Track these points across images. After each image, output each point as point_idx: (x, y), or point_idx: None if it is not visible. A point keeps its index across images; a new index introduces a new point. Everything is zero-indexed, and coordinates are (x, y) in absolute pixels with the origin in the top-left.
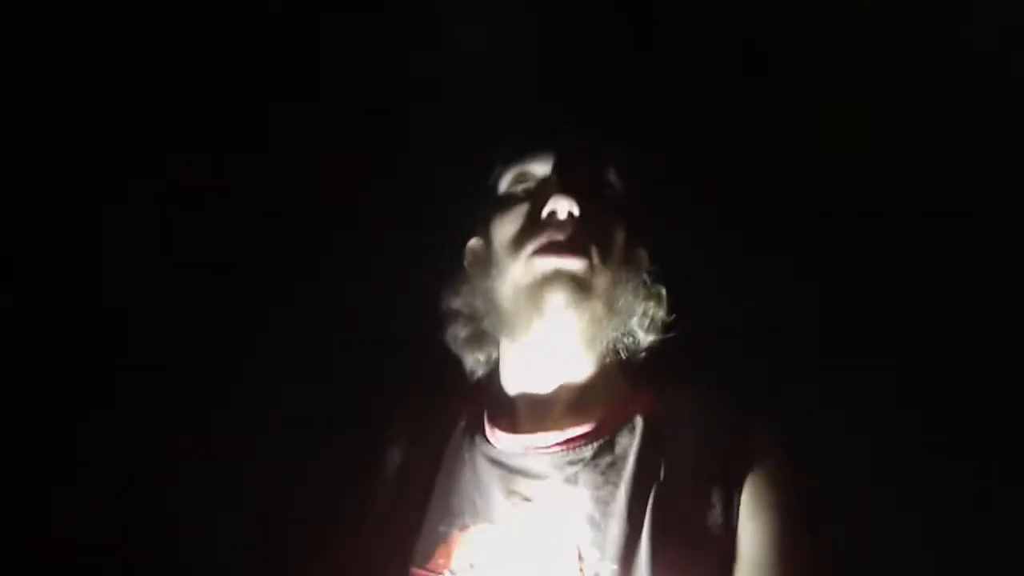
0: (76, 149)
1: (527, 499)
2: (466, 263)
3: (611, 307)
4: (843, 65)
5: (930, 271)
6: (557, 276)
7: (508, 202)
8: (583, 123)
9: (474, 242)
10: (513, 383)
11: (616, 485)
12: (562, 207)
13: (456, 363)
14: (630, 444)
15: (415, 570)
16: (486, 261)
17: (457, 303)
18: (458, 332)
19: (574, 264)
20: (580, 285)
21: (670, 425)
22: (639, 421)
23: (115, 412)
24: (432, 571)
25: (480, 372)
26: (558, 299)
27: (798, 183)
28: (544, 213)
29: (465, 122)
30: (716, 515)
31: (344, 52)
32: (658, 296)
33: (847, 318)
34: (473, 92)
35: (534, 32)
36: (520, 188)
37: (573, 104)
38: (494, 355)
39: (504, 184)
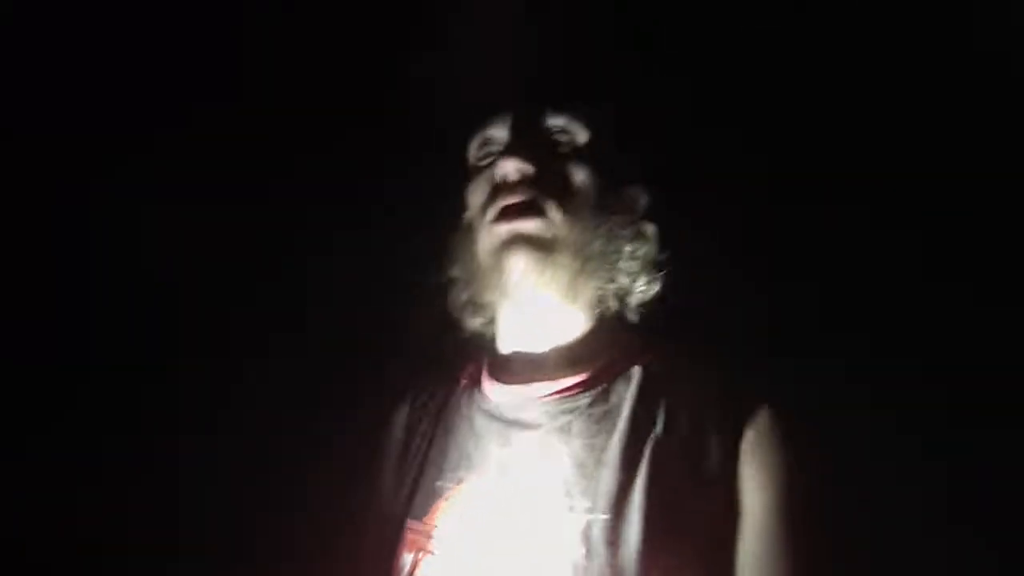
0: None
1: (521, 449)
2: (459, 236)
3: (582, 256)
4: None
5: (941, 265)
6: (513, 240)
7: (475, 171)
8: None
9: (463, 213)
10: (509, 341)
11: (610, 434)
12: (510, 169)
13: (456, 328)
14: (625, 393)
15: (411, 522)
16: (469, 229)
17: (454, 271)
18: (457, 297)
19: (528, 225)
20: (538, 244)
21: (668, 378)
22: (636, 371)
23: (124, 412)
24: (427, 523)
25: (481, 334)
26: (519, 262)
27: (806, 177)
28: (497, 177)
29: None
30: (713, 470)
31: (343, 53)
32: (644, 235)
33: (850, 296)
34: (472, 93)
35: (534, 32)
36: (482, 154)
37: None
38: (492, 318)
39: (471, 154)
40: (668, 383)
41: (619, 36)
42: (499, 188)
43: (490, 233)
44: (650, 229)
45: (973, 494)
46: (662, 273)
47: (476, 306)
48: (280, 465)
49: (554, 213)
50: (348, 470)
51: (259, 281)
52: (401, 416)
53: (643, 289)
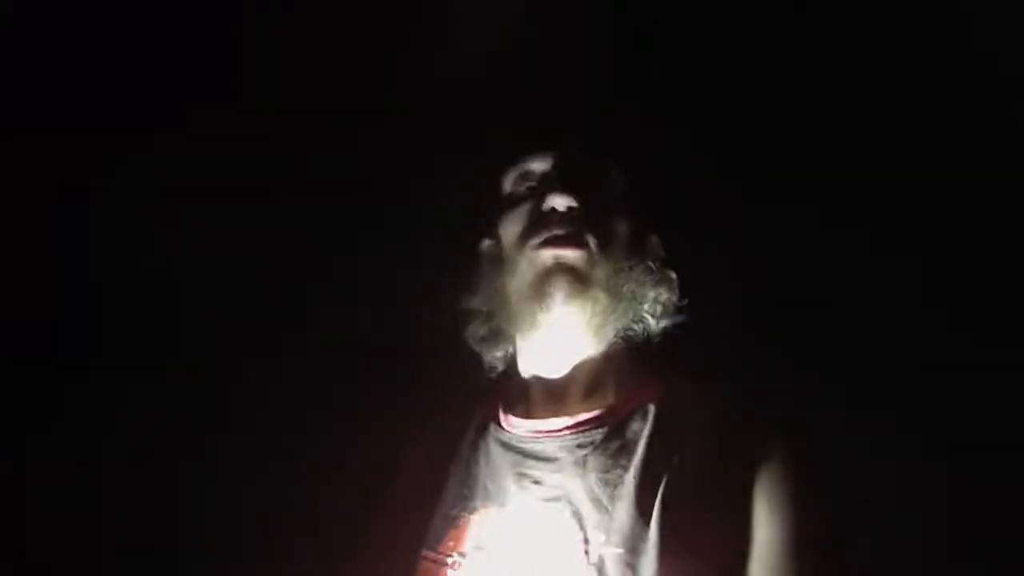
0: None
1: (536, 481)
2: (482, 264)
3: (615, 295)
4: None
5: (939, 271)
6: (557, 268)
7: (513, 201)
8: (583, 125)
9: (487, 243)
10: (528, 372)
11: (625, 469)
12: (560, 202)
13: (474, 363)
14: (641, 430)
15: (426, 552)
16: (498, 260)
17: (475, 302)
18: (476, 331)
19: (572, 255)
20: (579, 276)
21: (683, 414)
22: (651, 408)
23: (130, 412)
24: (442, 553)
25: (499, 368)
26: (559, 290)
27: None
28: (544, 208)
29: (464, 127)
30: (727, 501)
31: (342, 53)
32: (668, 281)
33: (854, 312)
34: (471, 94)
35: (533, 33)
36: (523, 187)
37: (572, 108)
38: (511, 351)
39: (508, 184)
40: (682, 416)
41: (619, 35)
42: (544, 218)
43: (533, 259)
44: (672, 276)
45: (982, 523)
46: (682, 317)
47: (498, 338)
48: (285, 468)
49: (593, 248)
50: (358, 482)
51: (259, 281)
52: (416, 450)
53: (663, 331)
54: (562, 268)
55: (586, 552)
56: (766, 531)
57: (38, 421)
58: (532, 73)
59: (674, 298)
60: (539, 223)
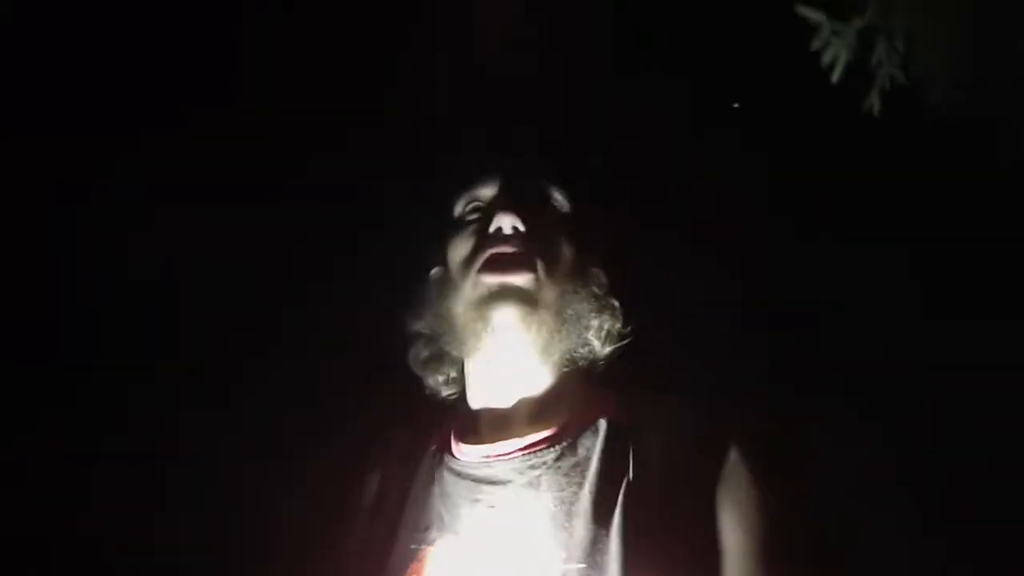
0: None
1: (491, 506)
2: (427, 288)
3: (561, 318)
4: None
5: (908, 264)
6: (503, 291)
7: (460, 226)
8: (575, 126)
9: (435, 271)
10: (475, 399)
11: (580, 485)
12: (506, 223)
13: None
14: (593, 446)
15: None
16: (444, 284)
17: (419, 325)
18: (419, 353)
19: (519, 279)
20: (526, 299)
21: (636, 426)
22: (602, 423)
23: (121, 411)
24: None
25: (443, 392)
26: (505, 313)
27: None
28: (491, 230)
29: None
30: (688, 513)
31: (340, 53)
32: (612, 308)
33: (802, 318)
34: (471, 95)
35: (533, 34)
36: (470, 210)
37: (568, 111)
38: (453, 375)
39: (457, 209)
40: (636, 431)
41: (619, 36)
42: (489, 240)
43: (476, 283)
44: (615, 304)
45: (958, 526)
46: (625, 342)
47: (440, 362)
48: (273, 472)
49: (540, 271)
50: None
51: (257, 281)
52: (371, 487)
53: (608, 354)
54: (508, 292)
55: (547, 570)
56: (731, 540)
57: (35, 421)
58: (531, 73)
59: (618, 325)
60: (484, 245)
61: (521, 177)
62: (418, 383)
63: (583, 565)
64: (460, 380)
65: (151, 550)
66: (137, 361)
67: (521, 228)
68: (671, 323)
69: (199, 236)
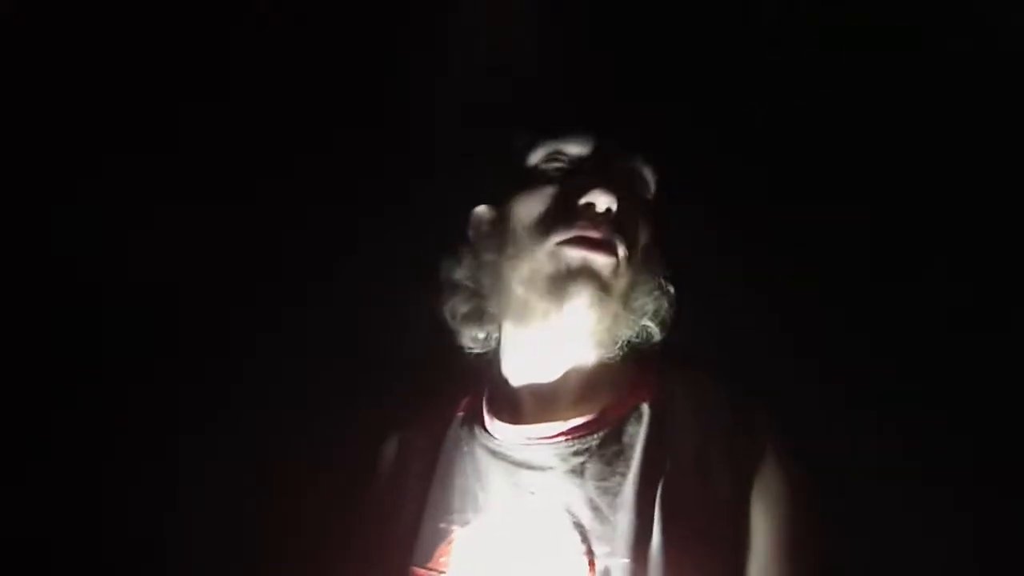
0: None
1: (531, 492)
2: (472, 231)
3: (627, 307)
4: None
5: (936, 267)
6: (584, 271)
7: (537, 179)
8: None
9: (484, 210)
10: (516, 371)
11: (624, 475)
12: (602, 202)
13: (452, 351)
14: (637, 433)
15: (416, 569)
16: (499, 235)
17: (459, 274)
18: (458, 307)
19: (603, 261)
20: (603, 285)
21: (677, 412)
22: (646, 409)
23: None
24: (433, 570)
25: (477, 351)
26: (581, 295)
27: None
28: (581, 202)
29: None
30: (726, 503)
31: (338, 52)
32: (670, 296)
33: (849, 313)
34: (470, 94)
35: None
36: (553, 167)
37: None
38: (494, 335)
39: (535, 158)
40: (676, 414)
41: (618, 36)
42: (576, 212)
43: (555, 254)
44: (672, 292)
45: (984, 521)
46: (676, 327)
47: (481, 319)
48: (276, 475)
49: (621, 258)
50: (339, 502)
51: (257, 281)
52: (389, 453)
53: (660, 338)
54: (589, 273)
55: (591, 564)
56: (766, 532)
57: (32, 420)
58: (531, 73)
59: (672, 313)
60: (572, 216)
61: (615, 146)
62: (424, 378)
63: (627, 560)
64: (496, 343)
65: (157, 546)
66: (137, 361)
67: (614, 209)
68: (706, 312)
69: (196, 235)
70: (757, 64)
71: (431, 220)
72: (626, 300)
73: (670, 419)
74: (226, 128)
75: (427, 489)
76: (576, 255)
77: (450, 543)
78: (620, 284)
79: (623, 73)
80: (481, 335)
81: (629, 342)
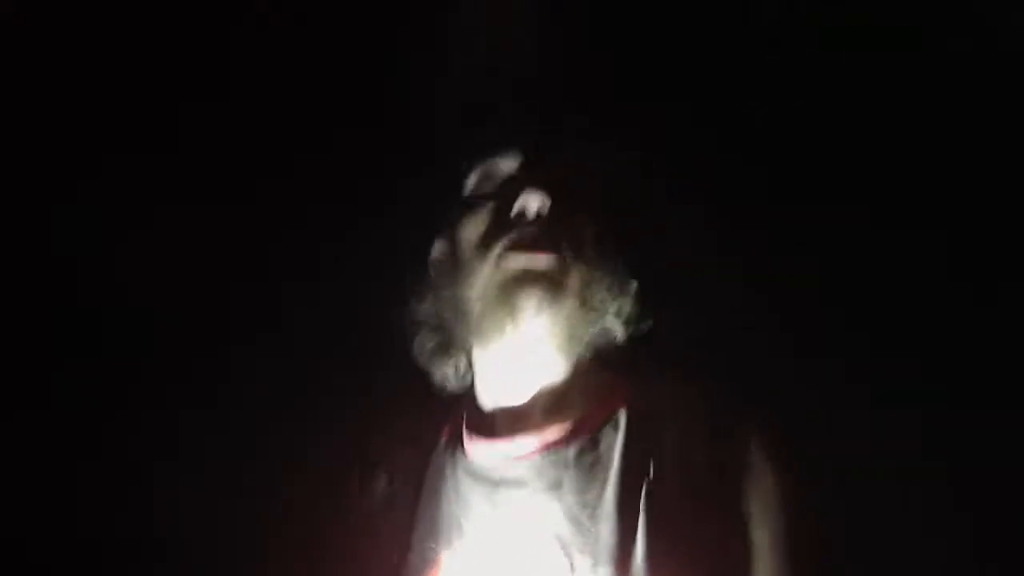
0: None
1: (511, 510)
2: (431, 270)
3: (585, 305)
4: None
5: (936, 265)
6: (528, 275)
7: (474, 202)
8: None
9: (439, 246)
10: (488, 394)
11: (603, 484)
12: (532, 203)
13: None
14: (614, 441)
15: None
16: (452, 266)
17: (423, 313)
18: (425, 343)
19: (545, 261)
20: (552, 283)
21: (654, 417)
22: (622, 414)
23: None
24: None
25: (452, 384)
26: (531, 299)
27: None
28: (513, 211)
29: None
30: (711, 507)
31: (335, 52)
32: (630, 291)
33: (846, 312)
34: (469, 93)
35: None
36: (486, 187)
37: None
38: (462, 366)
39: (470, 184)
40: (655, 422)
41: (617, 37)
42: (510, 222)
43: (498, 266)
44: (633, 287)
45: (979, 509)
46: (644, 325)
47: (449, 352)
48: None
49: (567, 255)
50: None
51: (255, 281)
52: (377, 485)
53: (629, 340)
54: (533, 276)
55: None
56: (757, 533)
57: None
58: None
59: (636, 310)
60: (506, 225)
61: (542, 152)
62: (416, 379)
63: (611, 569)
64: (470, 371)
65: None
66: (129, 360)
67: (546, 208)
68: (684, 308)
69: (195, 235)
70: (757, 64)
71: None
72: (583, 298)
73: (649, 424)
74: (225, 128)
75: (414, 517)
76: (517, 260)
77: (437, 566)
78: (572, 282)
79: (623, 73)
80: (451, 370)
81: (595, 345)
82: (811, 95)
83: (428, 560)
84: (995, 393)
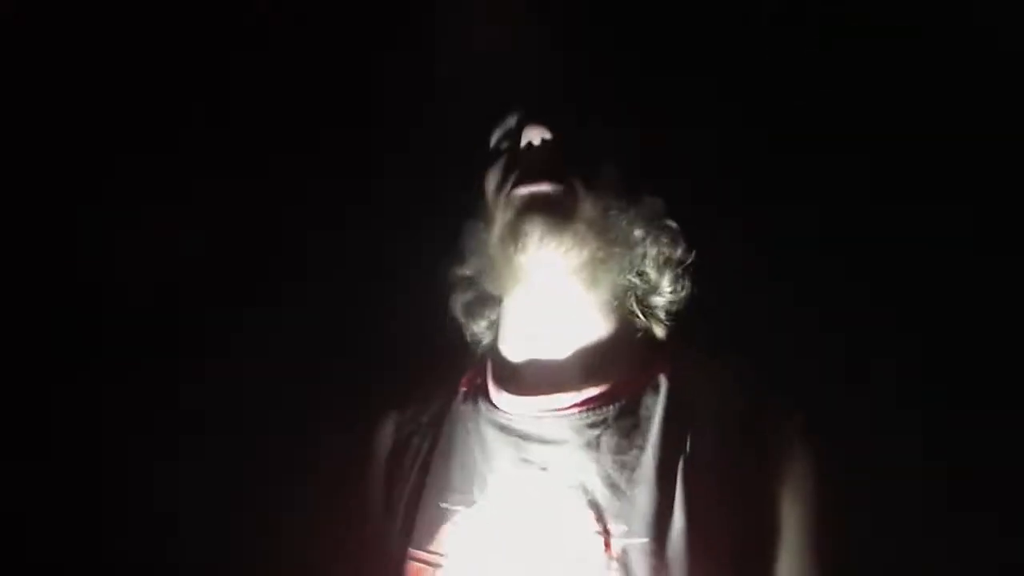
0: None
1: (543, 468)
2: (468, 228)
3: (604, 236)
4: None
5: (942, 262)
6: (533, 203)
7: (493, 155)
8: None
9: (472, 207)
10: (518, 350)
11: (642, 449)
12: (534, 134)
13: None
14: (654, 405)
15: (415, 552)
16: (482, 218)
17: (462, 269)
18: (462, 298)
19: (547, 187)
20: (557, 209)
21: (695, 390)
22: (663, 380)
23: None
24: (435, 553)
25: (484, 340)
26: (534, 224)
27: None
28: (521, 147)
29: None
30: (746, 484)
31: (334, 52)
32: (670, 231)
33: (874, 295)
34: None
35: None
36: (504, 143)
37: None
38: (494, 318)
39: (492, 142)
40: (694, 394)
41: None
42: (519, 160)
43: (508, 202)
44: (674, 226)
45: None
46: (689, 274)
47: (483, 305)
48: (268, 474)
49: (577, 182)
50: (336, 486)
51: (255, 282)
52: (387, 431)
53: (670, 290)
54: (537, 202)
55: (607, 545)
56: (789, 514)
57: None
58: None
59: (679, 253)
60: (514, 164)
61: (556, 101)
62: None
63: (647, 539)
64: (498, 323)
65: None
66: (133, 358)
67: (549, 137)
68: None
69: (195, 235)
70: (757, 64)
71: (428, 218)
72: (598, 227)
73: (689, 397)
74: (224, 128)
75: (427, 469)
76: (521, 191)
77: (452, 523)
78: (585, 209)
79: (623, 73)
80: (484, 323)
81: (627, 288)
82: (811, 95)
83: (443, 515)
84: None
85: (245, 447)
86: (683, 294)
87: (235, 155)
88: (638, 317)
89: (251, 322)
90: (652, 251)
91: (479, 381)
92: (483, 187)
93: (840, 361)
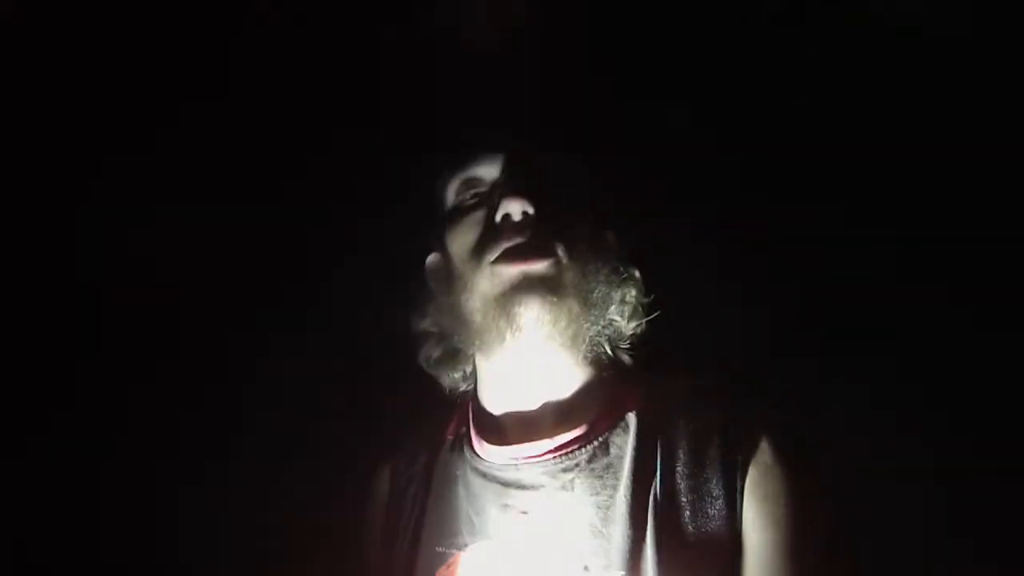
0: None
1: (524, 512)
2: (430, 281)
3: (586, 302)
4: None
5: (937, 265)
6: (525, 282)
7: (460, 212)
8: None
9: (432, 258)
10: (496, 402)
11: (615, 488)
12: (515, 209)
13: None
14: (625, 443)
15: None
16: (448, 276)
17: (425, 323)
18: (431, 353)
19: (539, 266)
20: (550, 286)
21: (665, 418)
22: (632, 418)
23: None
24: None
25: (460, 389)
26: (531, 306)
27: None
28: (498, 218)
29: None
30: (717, 510)
31: (334, 52)
32: (633, 279)
33: (847, 306)
34: (467, 90)
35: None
36: (470, 195)
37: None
38: (469, 370)
39: (452, 193)
40: (664, 425)
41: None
42: (499, 229)
43: (493, 275)
44: (637, 275)
45: (977, 516)
46: (653, 316)
47: (455, 359)
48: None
49: (562, 254)
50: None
51: (254, 282)
52: (383, 481)
53: (634, 331)
54: (531, 280)
55: None
56: (761, 533)
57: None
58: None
59: (641, 297)
60: (494, 233)
61: (523, 153)
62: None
63: (623, 573)
64: (474, 375)
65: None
66: (142, 362)
67: (531, 212)
68: (690, 308)
69: (194, 235)
70: (756, 64)
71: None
72: (583, 295)
73: (658, 427)
74: (224, 128)
75: (423, 514)
76: (511, 270)
77: (449, 567)
78: (570, 280)
79: (623, 73)
80: (458, 375)
81: (601, 339)
82: (810, 95)
83: (440, 558)
84: (1004, 393)
85: (243, 480)
86: (644, 327)
87: (235, 156)
88: (606, 355)
89: (260, 324)
90: (619, 298)
91: (463, 430)
92: (442, 240)
93: (812, 380)
